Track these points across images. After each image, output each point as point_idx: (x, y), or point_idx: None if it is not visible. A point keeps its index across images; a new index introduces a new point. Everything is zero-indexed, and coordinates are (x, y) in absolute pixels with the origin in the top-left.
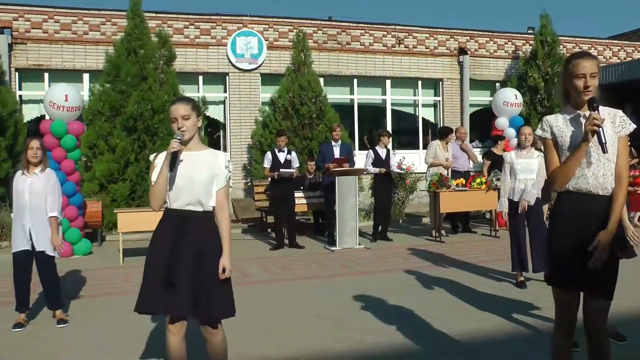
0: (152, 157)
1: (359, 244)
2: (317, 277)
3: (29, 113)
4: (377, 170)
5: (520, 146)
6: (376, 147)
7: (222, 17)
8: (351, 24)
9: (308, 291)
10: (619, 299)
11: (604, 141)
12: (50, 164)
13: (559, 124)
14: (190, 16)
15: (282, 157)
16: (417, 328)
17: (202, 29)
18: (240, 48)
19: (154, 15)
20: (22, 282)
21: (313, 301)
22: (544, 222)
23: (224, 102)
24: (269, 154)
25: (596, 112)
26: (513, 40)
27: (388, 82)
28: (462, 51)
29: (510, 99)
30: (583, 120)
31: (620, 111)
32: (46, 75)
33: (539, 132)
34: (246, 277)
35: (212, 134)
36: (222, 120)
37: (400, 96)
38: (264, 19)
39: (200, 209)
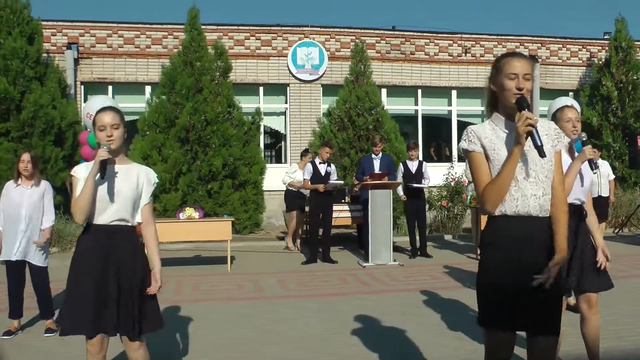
0: (73, 170)
1: (394, 260)
2: (329, 295)
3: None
4: (401, 195)
5: None
6: (406, 161)
7: (283, 28)
8: (415, 34)
9: (307, 310)
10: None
11: (539, 144)
12: None
13: (488, 135)
14: (251, 27)
15: (322, 169)
16: (401, 355)
17: (262, 40)
18: (300, 59)
19: (214, 27)
20: (14, 290)
21: (306, 321)
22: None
23: (284, 113)
24: (309, 166)
25: (530, 112)
26: (588, 47)
27: (454, 92)
28: (533, 59)
29: None
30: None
31: (553, 122)
32: (110, 88)
33: (464, 144)
34: (258, 292)
35: (273, 146)
36: (282, 131)
37: (467, 107)
38: (325, 29)
39: (126, 225)
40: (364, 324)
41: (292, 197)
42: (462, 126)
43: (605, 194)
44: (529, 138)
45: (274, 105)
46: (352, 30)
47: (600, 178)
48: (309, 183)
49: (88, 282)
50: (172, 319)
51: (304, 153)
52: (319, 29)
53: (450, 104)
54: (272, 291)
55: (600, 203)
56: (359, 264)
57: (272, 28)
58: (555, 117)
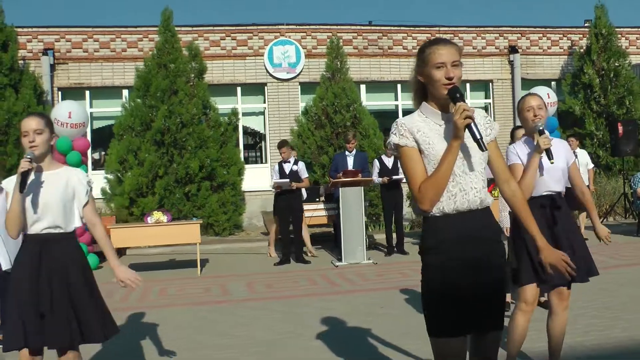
0: (3, 183)
1: (368, 259)
2: (294, 297)
3: None
4: (380, 180)
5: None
6: (382, 156)
7: (259, 27)
8: (392, 28)
9: (270, 312)
10: None
11: (478, 136)
12: None
13: (421, 128)
14: (227, 28)
15: (287, 168)
16: (359, 358)
17: (238, 40)
18: (277, 57)
19: (189, 29)
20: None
21: (267, 324)
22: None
23: (263, 113)
24: (276, 166)
25: (462, 102)
26: (568, 35)
27: None
28: (513, 49)
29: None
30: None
31: (482, 111)
32: (87, 93)
33: (394, 138)
34: (224, 295)
35: (254, 146)
36: (262, 131)
37: None
38: (301, 27)
39: (60, 232)
40: (326, 326)
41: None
42: None
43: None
44: (469, 132)
45: (253, 105)
46: (328, 27)
47: (579, 167)
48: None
49: (22, 295)
50: (131, 325)
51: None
52: (294, 26)
53: None
54: (239, 294)
55: None
56: (332, 263)
57: (248, 27)
58: (518, 107)
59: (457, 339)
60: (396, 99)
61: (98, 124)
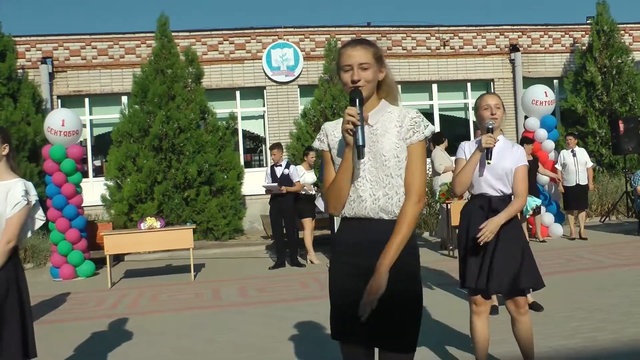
0: None
1: None
2: (285, 301)
3: None
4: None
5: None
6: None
7: (256, 31)
8: (391, 29)
9: (258, 317)
10: None
11: (359, 143)
12: (51, 188)
13: (337, 133)
14: (224, 32)
15: (279, 171)
16: None
17: (236, 43)
18: (275, 61)
19: (187, 34)
20: None
21: (252, 329)
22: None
23: (263, 117)
24: (268, 169)
25: (355, 107)
26: (570, 32)
27: (434, 86)
28: (514, 48)
29: (539, 97)
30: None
31: (415, 111)
32: (86, 100)
33: (316, 143)
34: (215, 300)
35: (254, 150)
36: (262, 134)
37: (449, 100)
38: (299, 30)
39: None
40: (314, 331)
41: (304, 203)
42: (444, 120)
43: (583, 182)
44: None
45: (252, 109)
46: (326, 28)
47: (577, 166)
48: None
49: None
50: (118, 331)
51: (306, 152)
52: (292, 29)
53: (431, 98)
54: (229, 299)
55: (578, 192)
56: (327, 266)
57: (245, 31)
58: (476, 105)
59: (353, 347)
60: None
61: (98, 131)
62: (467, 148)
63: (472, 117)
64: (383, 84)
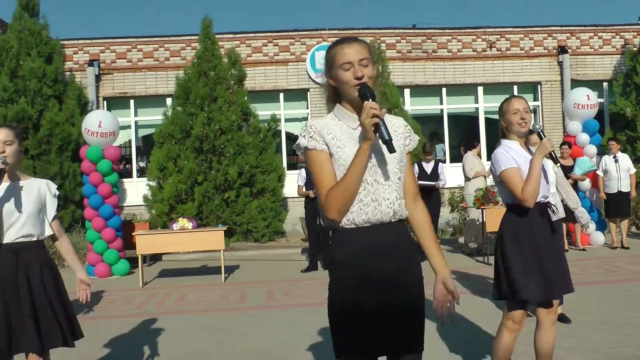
0: None
1: None
2: (307, 305)
3: (119, 138)
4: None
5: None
6: (421, 161)
7: (301, 33)
8: (437, 31)
9: (276, 322)
10: None
11: (387, 137)
12: (87, 188)
13: (332, 130)
14: (268, 34)
15: None
16: None
17: (280, 46)
18: (319, 63)
19: (232, 36)
20: None
21: (268, 334)
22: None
23: (306, 119)
24: (302, 171)
25: (371, 101)
26: (621, 33)
27: (480, 89)
28: (562, 50)
29: (581, 100)
30: (364, 117)
31: (402, 119)
32: (132, 102)
33: (303, 141)
34: (241, 302)
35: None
36: None
37: (494, 103)
38: (343, 32)
39: (32, 240)
40: (326, 338)
41: None
42: (490, 124)
43: (625, 189)
44: (377, 133)
45: (296, 111)
46: (371, 31)
47: (619, 172)
48: (303, 189)
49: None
50: (136, 330)
51: None
52: (337, 31)
53: (476, 101)
54: (255, 302)
55: (620, 199)
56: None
57: (290, 33)
58: (502, 110)
59: None
60: (441, 103)
61: (143, 132)
62: (514, 155)
63: None
64: (375, 85)
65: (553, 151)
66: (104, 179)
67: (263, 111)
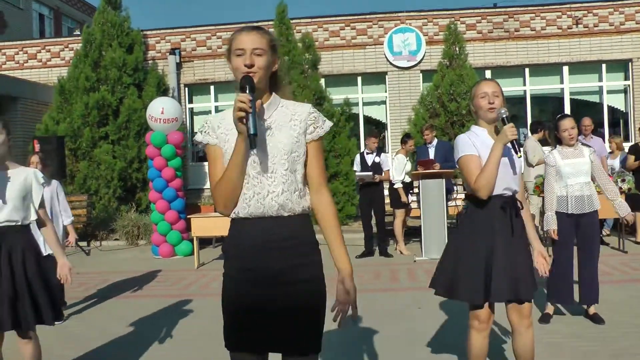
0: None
1: None
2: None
3: (200, 123)
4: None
5: (563, 143)
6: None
7: (378, 16)
8: (519, 9)
9: None
10: None
11: (251, 132)
12: (152, 172)
13: (225, 124)
14: (346, 17)
15: (370, 159)
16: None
17: (357, 29)
18: (397, 46)
19: (309, 21)
20: None
21: None
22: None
23: (385, 102)
24: (357, 157)
25: (246, 94)
26: None
27: (565, 68)
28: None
29: None
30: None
31: (310, 106)
32: (212, 88)
33: (198, 137)
34: None
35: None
36: (383, 120)
37: (581, 83)
38: (421, 14)
39: (16, 224)
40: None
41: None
42: (576, 105)
43: None
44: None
45: (374, 95)
46: (450, 12)
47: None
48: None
49: None
50: (168, 310)
51: (405, 139)
52: (415, 14)
53: (562, 82)
54: None
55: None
56: (414, 257)
57: (367, 16)
58: (472, 93)
59: (246, 355)
60: (524, 84)
61: None
62: (476, 142)
63: (607, 102)
64: (276, 76)
65: (516, 139)
66: (168, 164)
67: (341, 95)
